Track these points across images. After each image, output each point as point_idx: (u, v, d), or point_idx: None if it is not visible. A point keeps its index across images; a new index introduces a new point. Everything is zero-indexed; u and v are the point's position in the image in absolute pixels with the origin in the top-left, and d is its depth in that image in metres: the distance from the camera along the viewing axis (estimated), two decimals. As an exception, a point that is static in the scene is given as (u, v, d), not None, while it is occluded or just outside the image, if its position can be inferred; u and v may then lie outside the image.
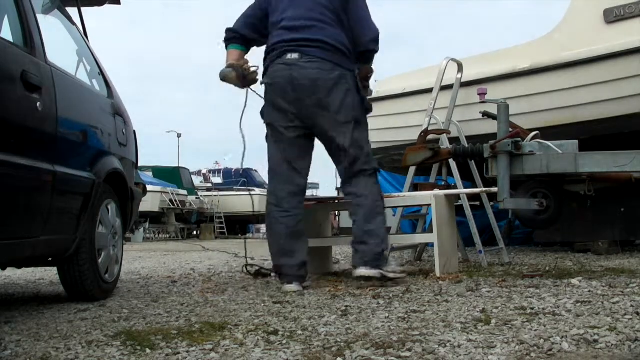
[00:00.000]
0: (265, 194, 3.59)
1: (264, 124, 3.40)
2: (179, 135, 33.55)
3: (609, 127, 4.76)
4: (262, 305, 2.69)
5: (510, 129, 4.02)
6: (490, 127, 4.37)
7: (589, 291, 2.72)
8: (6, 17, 2.71)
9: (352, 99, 3.27)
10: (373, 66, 3.48)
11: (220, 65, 3.41)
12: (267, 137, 3.40)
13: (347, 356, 1.71)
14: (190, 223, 20.22)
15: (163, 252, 8.65)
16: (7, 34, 2.59)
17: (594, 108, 4.79)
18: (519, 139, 3.87)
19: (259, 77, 3.39)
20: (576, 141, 3.93)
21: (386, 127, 5.78)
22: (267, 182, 3.61)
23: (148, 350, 1.83)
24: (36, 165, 2.44)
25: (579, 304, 2.37)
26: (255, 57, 3.47)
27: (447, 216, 3.85)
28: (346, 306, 2.54)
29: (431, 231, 3.78)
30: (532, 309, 2.31)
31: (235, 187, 23.63)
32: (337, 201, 4.84)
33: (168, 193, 18.10)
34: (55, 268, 3.05)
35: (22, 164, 2.34)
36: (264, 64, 3.37)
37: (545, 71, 4.99)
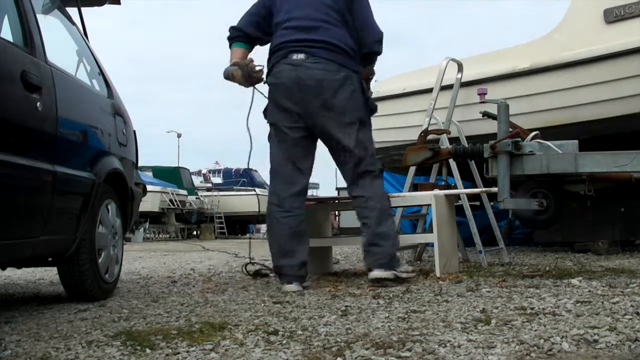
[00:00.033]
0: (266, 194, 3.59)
1: (267, 124, 3.40)
2: (179, 135, 33.59)
3: (609, 127, 4.76)
4: (262, 305, 2.69)
5: (510, 129, 4.02)
6: (490, 127, 4.37)
7: (589, 291, 2.72)
8: (6, 17, 2.71)
9: (357, 99, 3.28)
10: (374, 67, 3.49)
11: (220, 65, 3.41)
12: (269, 136, 3.40)
13: (347, 356, 1.71)
14: (190, 223, 20.22)
15: (163, 252, 8.65)
16: (7, 34, 2.59)
17: (594, 108, 4.79)
18: (519, 139, 3.87)
19: (264, 76, 3.38)
20: (576, 141, 3.93)
21: (386, 127, 5.78)
22: (267, 182, 3.61)
23: (148, 350, 1.83)
24: (36, 165, 2.44)
25: (579, 304, 2.37)
26: (259, 55, 3.46)
27: (447, 216, 3.85)
28: (346, 306, 2.54)
29: (431, 231, 3.78)
30: (532, 309, 2.31)
31: (235, 187, 23.64)
32: (337, 201, 4.84)
33: (168, 193, 18.11)
34: (55, 268, 3.05)
35: (22, 164, 2.34)
36: (267, 64, 3.37)
37: (545, 71, 4.99)
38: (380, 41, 3.38)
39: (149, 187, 10.24)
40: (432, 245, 3.80)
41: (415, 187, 4.71)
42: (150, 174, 19.09)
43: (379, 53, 3.42)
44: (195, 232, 20.78)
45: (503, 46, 7.10)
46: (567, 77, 4.87)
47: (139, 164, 3.93)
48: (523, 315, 2.19)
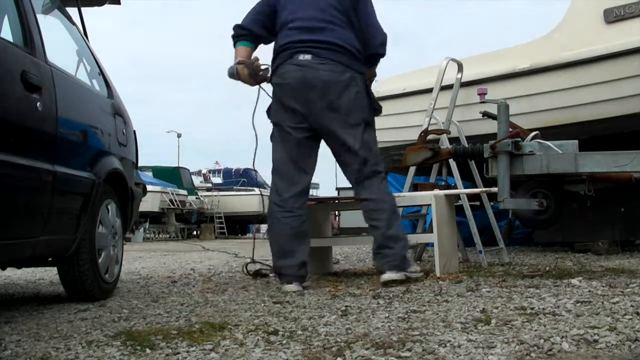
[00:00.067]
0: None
1: (271, 123, 3.39)
2: (179, 135, 33.59)
3: (609, 127, 4.76)
4: (262, 305, 2.69)
5: (510, 129, 4.02)
6: (490, 127, 4.37)
7: (589, 291, 2.72)
8: (6, 17, 2.71)
9: (362, 100, 3.29)
10: (376, 69, 3.50)
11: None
12: (272, 136, 3.39)
13: (347, 356, 1.71)
14: (190, 223, 20.23)
15: (163, 252, 8.65)
16: (7, 34, 2.59)
17: (594, 108, 4.79)
18: (519, 139, 3.87)
19: (269, 74, 3.37)
20: (576, 141, 3.93)
21: (386, 127, 5.77)
22: (267, 182, 3.61)
23: (148, 350, 1.83)
24: (36, 165, 2.44)
25: (579, 304, 2.37)
26: (263, 54, 3.45)
27: (447, 216, 3.85)
28: (346, 306, 2.54)
29: (431, 231, 3.78)
30: (532, 309, 2.31)
31: (235, 187, 23.65)
32: (337, 201, 4.84)
33: (168, 193, 18.11)
34: (55, 268, 3.05)
35: (22, 164, 2.34)
36: (272, 63, 3.36)
37: (545, 71, 4.99)
38: (384, 44, 3.39)
39: (149, 187, 10.25)
40: (432, 245, 3.80)
41: (415, 187, 4.71)
42: (150, 174, 19.10)
43: (383, 55, 3.43)
44: (195, 232, 20.79)
45: (503, 46, 7.11)
46: (567, 77, 4.87)
47: (139, 164, 3.93)
48: (523, 315, 2.18)
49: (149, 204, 15.27)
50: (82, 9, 3.69)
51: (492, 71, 5.21)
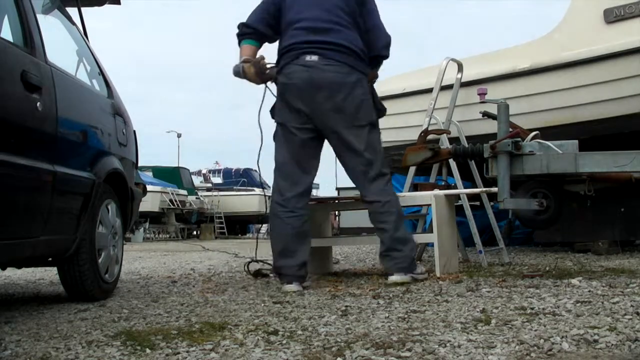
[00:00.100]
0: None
1: (275, 123, 3.38)
2: (179, 135, 33.54)
3: (609, 127, 4.76)
4: (262, 305, 2.69)
5: (510, 129, 4.02)
6: (490, 127, 4.37)
7: (589, 291, 2.72)
8: (6, 17, 2.71)
9: (368, 102, 3.31)
10: (378, 71, 3.51)
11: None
12: (275, 136, 3.39)
13: (347, 356, 1.71)
14: (190, 223, 20.23)
15: (163, 252, 8.65)
16: (7, 34, 2.59)
17: (594, 108, 4.79)
18: (519, 139, 3.87)
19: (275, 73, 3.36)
20: (576, 141, 3.93)
21: (386, 127, 5.77)
22: (267, 182, 3.59)
23: (148, 350, 1.83)
24: (36, 165, 2.44)
25: (579, 304, 2.37)
26: (268, 53, 3.44)
27: (447, 216, 3.85)
28: (346, 306, 2.54)
29: (431, 231, 3.78)
30: (532, 309, 2.31)
31: (235, 187, 23.65)
32: (337, 201, 4.84)
33: (168, 193, 18.12)
34: (55, 268, 3.05)
35: (22, 164, 2.34)
36: (277, 63, 3.35)
37: (545, 71, 4.99)
38: (388, 46, 3.41)
39: (149, 187, 10.25)
40: (432, 245, 3.80)
41: (415, 187, 4.71)
42: (150, 174, 19.10)
43: (386, 57, 3.45)
44: (195, 232, 20.79)
45: (503, 46, 7.11)
46: (567, 77, 4.87)
47: (139, 164, 3.93)
48: (523, 315, 2.18)
49: (149, 204, 15.27)
50: (82, 9, 3.69)
51: (492, 71, 5.21)
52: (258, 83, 3.37)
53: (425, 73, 5.64)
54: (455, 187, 4.53)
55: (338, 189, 19.18)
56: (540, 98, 5.02)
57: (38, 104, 2.45)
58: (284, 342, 1.91)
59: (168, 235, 18.70)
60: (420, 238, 4.49)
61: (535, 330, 1.93)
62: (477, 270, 3.90)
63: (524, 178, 4.11)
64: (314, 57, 3.21)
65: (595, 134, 4.79)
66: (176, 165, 24.57)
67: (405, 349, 1.76)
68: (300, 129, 3.29)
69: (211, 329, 2.12)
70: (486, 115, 4.64)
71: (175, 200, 18.36)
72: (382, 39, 3.39)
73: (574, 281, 3.04)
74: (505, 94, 4.66)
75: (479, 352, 1.70)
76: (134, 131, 3.76)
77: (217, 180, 27.08)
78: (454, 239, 3.98)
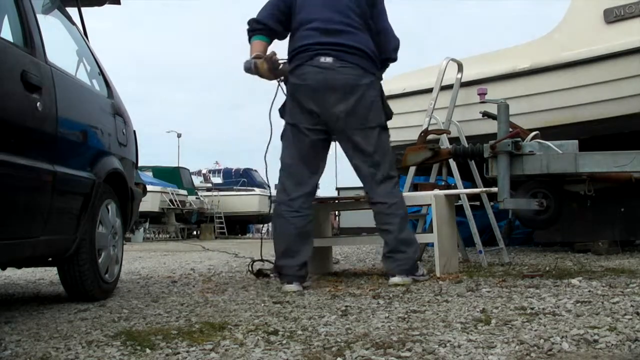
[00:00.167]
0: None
1: (285, 123, 3.38)
2: (179, 135, 33.54)
3: (609, 127, 4.76)
4: (262, 305, 2.69)
5: (510, 129, 4.02)
6: (490, 127, 4.37)
7: (589, 291, 2.72)
8: (6, 17, 2.71)
9: (378, 104, 3.32)
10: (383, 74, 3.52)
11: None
12: (283, 136, 3.38)
13: (347, 356, 1.71)
14: (190, 223, 20.24)
15: (163, 252, 8.65)
16: (7, 34, 2.59)
17: (594, 108, 4.79)
18: (519, 139, 3.87)
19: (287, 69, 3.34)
20: (576, 141, 3.93)
21: (386, 127, 5.77)
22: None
23: (148, 350, 1.83)
24: (36, 165, 2.44)
25: (579, 304, 2.37)
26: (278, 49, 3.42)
27: (447, 216, 3.85)
28: (346, 306, 2.54)
29: (431, 231, 3.78)
30: (532, 309, 2.31)
31: (235, 187, 23.65)
32: (337, 201, 4.84)
33: (168, 193, 18.12)
34: (55, 268, 3.05)
35: (22, 164, 2.34)
36: (289, 63, 3.34)
37: (545, 71, 4.99)
38: (397, 48, 3.44)
39: (149, 187, 10.25)
40: (432, 245, 3.80)
41: (415, 187, 4.71)
42: (150, 174, 19.11)
43: (395, 60, 3.48)
44: (195, 232, 20.79)
45: (503, 46, 7.11)
46: (567, 77, 4.87)
47: (139, 164, 3.93)
48: (523, 315, 2.18)
49: (149, 204, 15.28)
50: (82, 9, 3.69)
51: (492, 71, 5.21)
52: (271, 79, 3.34)
53: (425, 73, 5.64)
54: (455, 187, 4.53)
55: (338, 189, 19.20)
56: (540, 98, 5.02)
57: (38, 104, 2.45)
58: (284, 342, 1.91)
59: (168, 235, 18.70)
60: (420, 238, 4.48)
61: (535, 330, 1.93)
62: (477, 270, 3.90)
63: (524, 178, 4.11)
64: (329, 59, 3.21)
65: (595, 134, 4.79)
66: (176, 165, 24.58)
67: (405, 349, 1.76)
68: (312, 130, 3.29)
69: (211, 329, 2.12)
70: (486, 115, 4.64)
71: (175, 200, 18.36)
72: (392, 42, 3.41)
73: (574, 281, 3.04)
74: (505, 94, 4.66)
75: (479, 352, 1.70)
76: (134, 131, 3.76)
77: (217, 180, 27.08)
78: (454, 239, 3.98)
